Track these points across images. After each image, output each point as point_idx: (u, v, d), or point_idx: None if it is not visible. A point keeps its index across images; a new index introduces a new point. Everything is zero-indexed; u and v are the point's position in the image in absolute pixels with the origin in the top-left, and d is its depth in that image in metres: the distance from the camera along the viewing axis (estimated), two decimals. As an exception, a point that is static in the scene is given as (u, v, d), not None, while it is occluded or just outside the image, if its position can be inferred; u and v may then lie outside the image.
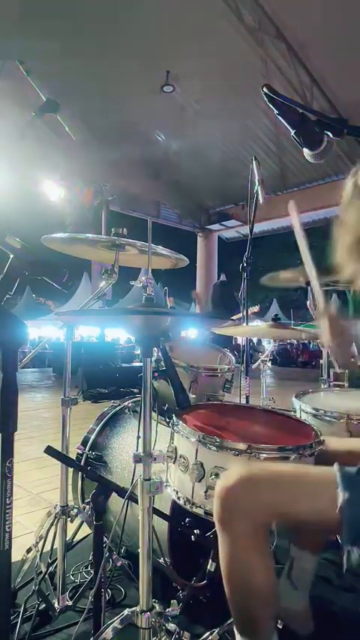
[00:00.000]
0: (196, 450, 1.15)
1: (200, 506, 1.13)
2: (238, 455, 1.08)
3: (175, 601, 1.16)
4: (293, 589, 1.35)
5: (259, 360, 2.51)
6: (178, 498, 1.21)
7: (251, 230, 2.40)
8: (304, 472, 1.01)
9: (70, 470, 1.70)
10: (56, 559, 1.57)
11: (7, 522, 0.89)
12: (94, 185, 7.80)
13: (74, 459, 1.80)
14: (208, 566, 1.28)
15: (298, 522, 0.96)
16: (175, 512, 1.40)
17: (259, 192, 2.25)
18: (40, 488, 2.82)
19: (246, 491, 0.93)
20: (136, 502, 1.09)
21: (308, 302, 2.31)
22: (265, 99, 0.89)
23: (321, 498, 0.90)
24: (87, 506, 1.56)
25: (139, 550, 1.06)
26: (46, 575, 1.53)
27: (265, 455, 1.07)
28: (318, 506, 0.91)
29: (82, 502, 1.80)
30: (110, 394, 6.42)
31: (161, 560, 1.41)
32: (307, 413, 1.61)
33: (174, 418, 1.28)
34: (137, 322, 1.14)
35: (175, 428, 1.26)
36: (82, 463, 1.78)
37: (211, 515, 1.04)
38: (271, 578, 0.96)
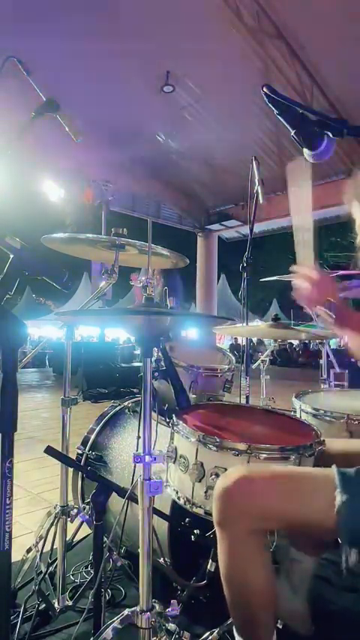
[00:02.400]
0: (196, 450, 1.15)
1: (200, 506, 1.13)
2: (238, 455, 1.08)
3: (175, 601, 1.16)
4: (292, 589, 1.35)
5: (259, 360, 2.51)
6: (178, 498, 1.21)
7: (251, 230, 2.40)
8: (303, 474, 1.01)
9: (70, 470, 1.70)
10: (56, 559, 1.57)
11: (7, 522, 0.89)
12: (94, 185, 7.80)
13: (74, 459, 1.79)
14: (208, 566, 1.28)
15: (297, 524, 0.96)
16: (175, 512, 1.40)
17: (259, 192, 2.25)
18: (40, 488, 2.82)
19: (245, 493, 0.93)
20: (136, 502, 1.09)
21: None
22: (265, 99, 0.89)
23: (319, 500, 0.90)
24: (87, 506, 1.56)
25: (139, 550, 1.06)
26: (46, 575, 1.53)
27: (265, 455, 1.07)
28: (316, 507, 0.91)
29: (82, 502, 1.80)
30: (110, 394, 6.41)
31: (161, 560, 1.41)
32: (307, 413, 1.61)
33: (174, 418, 1.28)
34: (137, 322, 1.14)
35: (175, 428, 1.26)
36: (82, 463, 1.78)
37: (211, 515, 1.04)
38: (270, 579, 0.96)
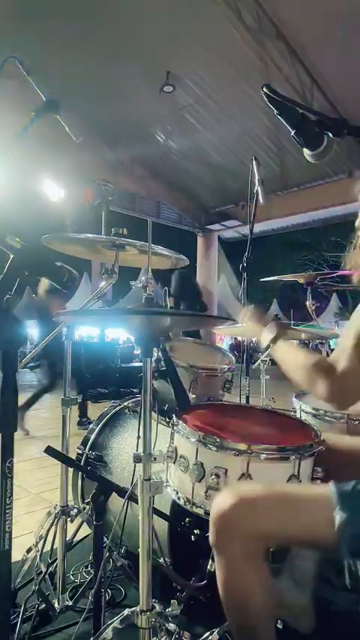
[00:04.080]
0: (196, 450, 1.15)
1: (200, 506, 1.13)
2: (238, 455, 1.08)
3: (175, 601, 1.16)
4: (295, 586, 1.35)
5: (259, 360, 2.51)
6: (178, 498, 1.21)
7: (251, 230, 2.40)
8: (299, 493, 1.00)
9: (70, 470, 1.70)
10: (56, 559, 1.57)
11: (7, 522, 0.89)
12: (94, 185, 7.80)
13: (74, 459, 1.79)
14: (208, 566, 1.28)
15: (296, 544, 0.96)
16: (175, 512, 1.40)
17: (259, 192, 2.24)
18: (40, 488, 2.82)
19: (241, 515, 0.93)
20: (136, 502, 1.09)
21: (308, 302, 2.31)
22: (265, 99, 0.89)
23: (318, 520, 0.89)
24: (87, 506, 1.56)
25: (139, 550, 1.06)
26: (46, 575, 1.53)
27: (264, 455, 1.07)
28: (316, 527, 0.90)
29: (82, 502, 1.80)
30: (110, 394, 6.41)
31: (161, 560, 1.41)
32: (307, 413, 1.61)
33: (174, 418, 1.28)
34: (137, 322, 1.14)
35: (175, 428, 1.26)
36: (82, 463, 1.78)
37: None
38: (268, 598, 0.96)
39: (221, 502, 0.95)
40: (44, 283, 4.47)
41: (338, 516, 0.86)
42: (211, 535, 0.96)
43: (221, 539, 0.95)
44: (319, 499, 0.92)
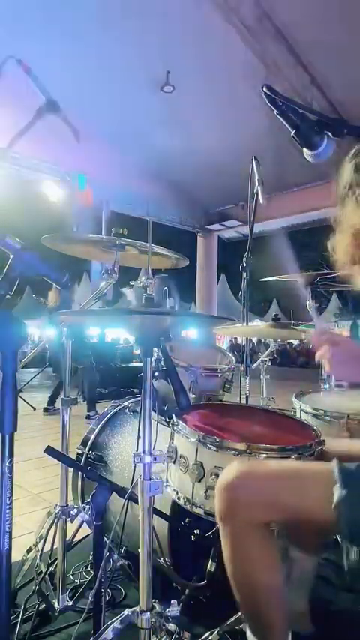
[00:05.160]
0: (196, 450, 1.15)
1: (200, 506, 1.13)
2: (238, 455, 1.08)
3: (175, 601, 1.16)
4: (293, 590, 1.35)
5: (259, 360, 2.51)
6: (178, 498, 1.21)
7: (251, 230, 2.40)
8: (304, 468, 1.01)
9: (70, 470, 1.70)
10: (56, 559, 1.57)
11: (7, 522, 0.89)
12: (95, 185, 7.80)
13: (74, 459, 1.79)
14: (208, 566, 1.28)
15: (298, 518, 0.96)
16: (175, 512, 1.40)
17: (259, 192, 2.24)
18: (40, 488, 2.82)
19: (246, 486, 0.94)
20: (136, 502, 1.09)
21: (308, 302, 2.31)
22: (265, 99, 0.89)
23: (319, 494, 0.90)
24: (87, 506, 1.56)
25: (139, 550, 1.06)
26: (46, 575, 1.53)
27: (265, 455, 1.07)
28: (316, 501, 0.90)
29: (82, 502, 1.80)
30: (110, 394, 6.41)
31: (161, 560, 1.41)
32: (307, 413, 1.61)
33: (174, 418, 1.28)
34: (137, 322, 1.14)
35: (175, 428, 1.26)
36: (82, 463, 1.78)
37: (211, 515, 1.05)
38: (276, 574, 0.96)
39: (227, 473, 0.97)
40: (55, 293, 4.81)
41: (337, 493, 0.86)
42: (217, 506, 0.97)
43: (226, 509, 0.95)
44: (321, 474, 0.93)
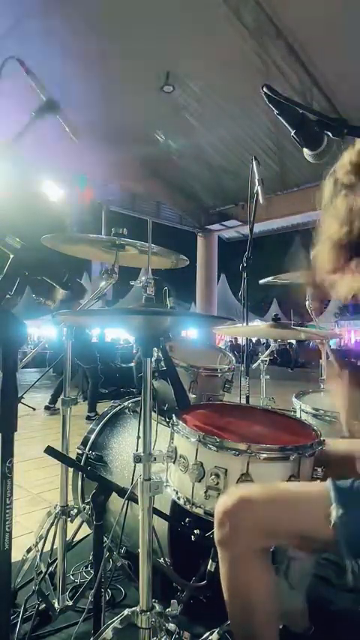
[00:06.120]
0: (196, 450, 1.15)
1: (200, 506, 1.13)
2: (238, 455, 1.08)
3: (175, 601, 1.16)
4: (290, 589, 1.35)
5: (259, 360, 2.51)
6: (178, 498, 1.21)
7: (251, 230, 2.40)
8: (298, 490, 1.01)
9: (70, 470, 1.70)
10: (56, 559, 1.57)
11: (7, 522, 0.89)
12: (94, 185, 7.80)
13: (74, 459, 1.79)
14: (208, 566, 1.28)
15: (298, 541, 0.97)
16: (175, 512, 1.40)
17: (259, 192, 2.24)
18: (40, 488, 2.82)
19: (245, 512, 0.94)
20: (136, 502, 1.09)
21: (308, 302, 2.31)
22: (265, 99, 0.89)
23: (317, 516, 0.90)
24: (87, 506, 1.56)
25: (139, 550, 1.06)
26: (46, 575, 1.53)
27: (265, 455, 1.07)
28: (315, 524, 0.91)
29: (82, 502, 1.80)
30: (110, 394, 6.41)
31: (161, 560, 1.41)
32: (307, 413, 1.61)
33: (174, 418, 1.28)
34: (137, 322, 1.14)
35: (175, 428, 1.26)
36: (82, 463, 1.78)
37: (211, 515, 1.04)
38: (272, 597, 0.96)
39: (224, 501, 0.97)
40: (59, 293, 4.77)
41: (334, 512, 0.87)
42: (215, 532, 0.97)
43: (225, 535, 0.95)
44: (317, 496, 0.93)
